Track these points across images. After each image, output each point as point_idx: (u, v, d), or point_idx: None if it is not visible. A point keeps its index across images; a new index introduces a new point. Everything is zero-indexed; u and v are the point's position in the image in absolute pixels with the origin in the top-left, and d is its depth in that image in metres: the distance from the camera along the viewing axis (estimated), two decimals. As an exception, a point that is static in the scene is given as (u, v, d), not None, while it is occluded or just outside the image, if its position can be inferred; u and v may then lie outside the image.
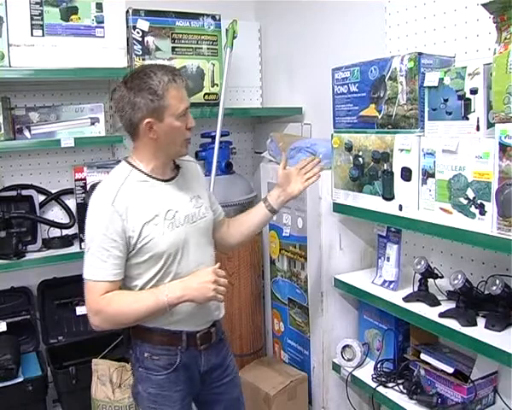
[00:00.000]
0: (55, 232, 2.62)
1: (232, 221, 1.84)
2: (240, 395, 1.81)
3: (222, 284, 1.50)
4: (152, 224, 1.50)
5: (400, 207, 1.69)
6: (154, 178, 1.56)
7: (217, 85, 2.52)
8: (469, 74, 1.42)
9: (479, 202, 1.40)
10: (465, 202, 1.44)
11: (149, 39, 2.35)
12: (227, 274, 1.57)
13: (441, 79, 1.51)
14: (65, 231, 2.63)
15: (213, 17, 2.49)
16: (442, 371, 1.71)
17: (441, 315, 1.61)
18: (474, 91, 1.41)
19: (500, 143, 1.31)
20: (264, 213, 1.79)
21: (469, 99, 1.43)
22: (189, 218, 1.59)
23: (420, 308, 1.69)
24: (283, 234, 2.41)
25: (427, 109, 1.57)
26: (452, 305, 1.64)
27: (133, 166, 1.56)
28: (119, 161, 2.56)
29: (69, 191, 2.65)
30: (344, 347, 2.06)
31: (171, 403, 1.59)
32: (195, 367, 1.63)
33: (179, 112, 1.49)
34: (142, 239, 1.49)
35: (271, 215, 1.82)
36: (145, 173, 1.55)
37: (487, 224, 1.38)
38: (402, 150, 1.65)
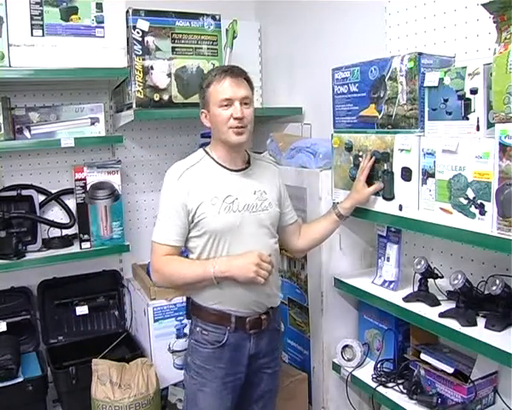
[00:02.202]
0: (55, 232, 2.62)
1: (303, 227, 1.92)
2: (276, 387, 1.90)
3: (264, 269, 1.60)
4: (209, 203, 1.66)
5: (400, 207, 1.69)
6: (222, 166, 1.72)
7: (217, 85, 2.52)
8: (469, 74, 1.42)
9: (479, 202, 1.40)
10: (465, 202, 1.44)
11: (149, 39, 2.35)
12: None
13: (441, 79, 1.51)
14: (65, 231, 2.63)
15: (213, 17, 2.48)
16: (442, 371, 1.71)
17: (441, 315, 1.61)
18: (474, 91, 1.41)
19: (500, 143, 1.31)
20: (333, 219, 1.84)
21: (469, 99, 1.43)
22: (248, 206, 1.70)
23: (420, 308, 1.69)
24: (283, 234, 2.40)
25: (427, 109, 1.57)
26: (452, 305, 1.64)
27: (207, 152, 1.75)
28: (119, 161, 2.61)
29: (69, 191, 2.65)
30: (344, 347, 2.06)
31: (212, 378, 1.71)
32: (244, 349, 1.72)
33: (217, 100, 1.64)
34: (199, 215, 1.65)
35: (339, 221, 1.84)
36: (215, 161, 1.72)
37: (487, 224, 1.38)
38: (402, 150, 1.65)
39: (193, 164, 1.70)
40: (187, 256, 1.75)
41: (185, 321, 1.82)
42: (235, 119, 1.64)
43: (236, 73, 1.67)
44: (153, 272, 1.72)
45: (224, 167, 1.71)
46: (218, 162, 1.72)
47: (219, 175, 1.70)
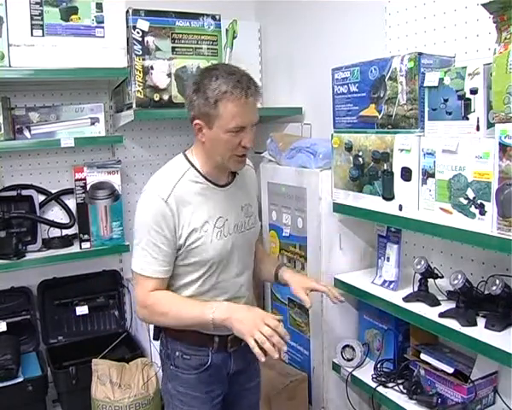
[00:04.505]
0: (55, 232, 2.62)
1: (258, 251, 1.79)
2: (258, 400, 1.81)
3: (265, 335, 1.36)
4: (202, 230, 1.49)
5: (400, 207, 1.69)
6: (208, 180, 1.54)
7: (217, 85, 2.53)
8: (469, 74, 1.42)
9: (479, 202, 1.40)
10: (465, 202, 1.44)
11: (149, 39, 2.35)
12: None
13: (441, 79, 1.51)
14: (65, 231, 2.63)
15: (213, 17, 2.48)
16: (442, 371, 1.71)
17: (441, 315, 1.61)
18: (474, 91, 1.41)
19: (500, 143, 1.31)
20: (271, 273, 1.78)
21: (469, 99, 1.43)
22: (238, 227, 1.58)
23: (420, 308, 1.69)
24: (283, 234, 2.40)
25: (427, 109, 1.57)
26: (452, 305, 1.64)
27: (191, 163, 1.53)
28: (119, 161, 2.61)
29: (69, 191, 2.65)
30: (344, 347, 2.06)
31: (200, 404, 1.57)
32: (224, 369, 1.62)
33: (229, 127, 1.42)
34: (190, 244, 1.48)
35: (274, 281, 1.80)
36: (201, 174, 1.53)
37: (487, 224, 1.38)
38: (402, 150, 1.65)
39: (178, 179, 1.48)
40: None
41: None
42: (244, 147, 1.48)
43: (255, 92, 1.46)
44: (140, 309, 1.52)
45: (211, 182, 1.53)
46: (203, 176, 1.52)
47: (207, 193, 1.52)
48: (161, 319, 1.52)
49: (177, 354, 1.57)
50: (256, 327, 1.37)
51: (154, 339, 1.66)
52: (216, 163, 1.52)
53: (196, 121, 1.46)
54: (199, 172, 1.53)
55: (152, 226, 1.45)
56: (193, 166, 1.53)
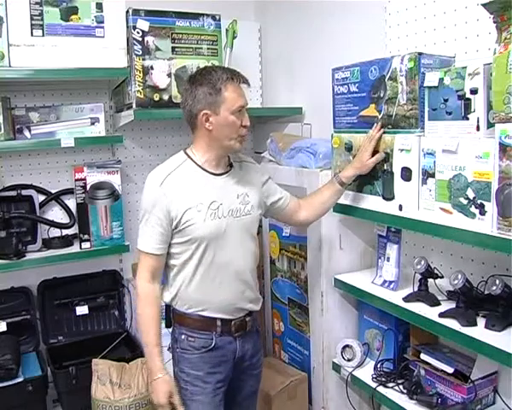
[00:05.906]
0: (55, 232, 2.62)
1: (304, 200, 1.91)
2: (258, 388, 1.89)
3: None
4: (195, 210, 1.62)
5: (400, 207, 1.69)
6: (205, 170, 1.67)
7: (217, 85, 2.52)
8: (469, 74, 1.42)
9: (479, 202, 1.40)
10: (465, 201, 1.44)
11: (149, 39, 2.35)
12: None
13: (441, 79, 1.51)
14: (65, 231, 2.63)
15: (213, 17, 2.48)
16: (442, 371, 1.71)
17: (441, 315, 1.61)
18: (474, 91, 1.42)
19: (500, 143, 1.31)
20: (336, 188, 1.84)
21: (469, 99, 1.43)
22: (233, 212, 1.67)
23: (420, 308, 1.69)
24: (283, 234, 2.41)
25: (427, 109, 1.57)
26: (452, 305, 1.64)
27: (188, 156, 1.69)
28: (119, 161, 2.61)
29: (69, 191, 2.65)
30: (344, 347, 2.06)
31: (203, 384, 1.67)
32: (231, 352, 1.71)
33: (234, 108, 1.60)
34: (184, 222, 1.62)
35: (342, 189, 1.85)
36: (198, 165, 1.67)
37: (487, 224, 1.38)
38: (402, 150, 1.65)
39: (175, 168, 1.65)
40: (167, 265, 1.71)
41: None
42: (245, 127, 1.64)
43: (244, 79, 1.65)
44: (137, 286, 1.71)
45: (207, 172, 1.67)
46: (200, 166, 1.67)
47: (203, 180, 1.66)
48: (138, 316, 1.72)
49: (182, 337, 1.70)
50: (155, 401, 1.65)
51: (166, 327, 1.79)
52: (220, 149, 1.66)
53: (204, 112, 1.61)
54: (195, 163, 1.67)
55: (148, 209, 1.63)
56: (190, 158, 1.68)
